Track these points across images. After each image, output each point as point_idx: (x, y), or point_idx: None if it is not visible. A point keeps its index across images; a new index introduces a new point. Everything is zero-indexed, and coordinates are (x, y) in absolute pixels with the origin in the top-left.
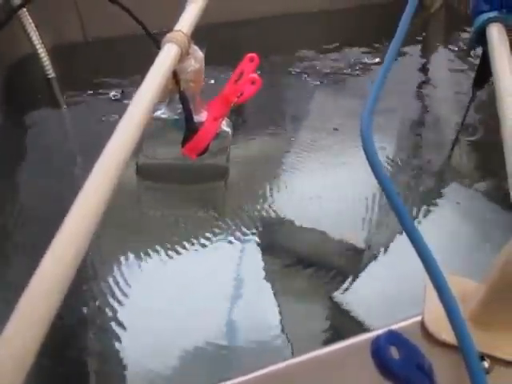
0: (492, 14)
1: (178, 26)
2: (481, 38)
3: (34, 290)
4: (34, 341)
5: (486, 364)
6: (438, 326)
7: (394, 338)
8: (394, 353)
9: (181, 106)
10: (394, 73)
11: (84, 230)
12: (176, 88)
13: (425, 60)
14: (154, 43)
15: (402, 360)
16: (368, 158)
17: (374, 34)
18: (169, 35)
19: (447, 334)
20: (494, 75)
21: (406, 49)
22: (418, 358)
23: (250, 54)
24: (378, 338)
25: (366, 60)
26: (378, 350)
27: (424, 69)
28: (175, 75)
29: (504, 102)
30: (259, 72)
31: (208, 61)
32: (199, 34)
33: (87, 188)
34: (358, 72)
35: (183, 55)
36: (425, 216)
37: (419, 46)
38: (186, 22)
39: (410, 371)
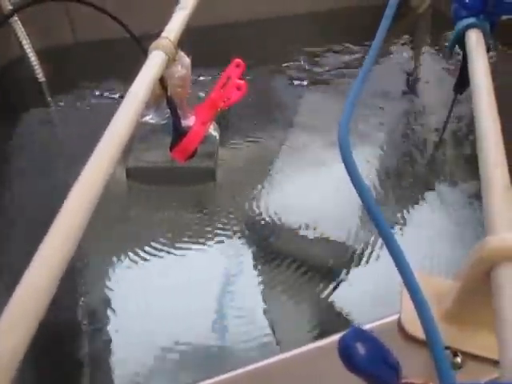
0: (471, 20)
1: (165, 33)
2: (461, 42)
3: (24, 290)
4: (23, 339)
5: (458, 359)
6: (414, 325)
7: (360, 335)
8: (360, 349)
9: (168, 111)
10: (380, 73)
11: (73, 230)
12: (163, 94)
13: (412, 60)
14: (141, 50)
15: (368, 356)
16: (346, 166)
17: (365, 35)
18: (156, 42)
19: (422, 332)
20: (471, 80)
21: (393, 49)
22: (385, 354)
23: (236, 60)
24: (344, 335)
25: (356, 62)
26: (344, 346)
27: (411, 69)
28: (162, 81)
29: (479, 107)
30: (248, 76)
31: (195, 63)
32: (188, 37)
33: (76, 190)
34: (347, 74)
35: (170, 62)
36: (409, 217)
37: (406, 47)
38: (173, 28)
39: (377, 367)
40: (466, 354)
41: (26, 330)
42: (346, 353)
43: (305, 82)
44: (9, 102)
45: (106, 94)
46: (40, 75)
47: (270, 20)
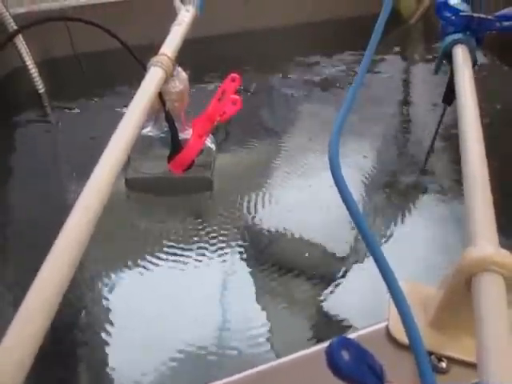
0: (457, 36)
1: (162, 50)
2: (449, 56)
3: (31, 302)
4: (31, 349)
5: (443, 364)
6: (401, 332)
7: (345, 342)
8: (345, 356)
9: (166, 124)
10: (373, 83)
11: (78, 243)
12: (162, 108)
13: (404, 70)
14: (140, 66)
15: (353, 362)
16: (334, 179)
17: (360, 44)
18: (154, 59)
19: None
20: (456, 93)
21: (385, 59)
22: (369, 361)
23: (231, 74)
24: (330, 343)
25: (352, 71)
26: (330, 354)
27: (403, 79)
28: (161, 96)
29: (464, 119)
30: (243, 86)
31: (193, 75)
32: (184, 47)
33: (81, 201)
34: (343, 82)
35: (168, 77)
36: (400, 223)
37: (399, 57)
38: (171, 45)
39: (361, 372)
40: (450, 359)
41: (35, 340)
42: (331, 360)
43: (301, 91)
44: (9, 111)
45: (104, 104)
46: (40, 86)
47: (266, 31)
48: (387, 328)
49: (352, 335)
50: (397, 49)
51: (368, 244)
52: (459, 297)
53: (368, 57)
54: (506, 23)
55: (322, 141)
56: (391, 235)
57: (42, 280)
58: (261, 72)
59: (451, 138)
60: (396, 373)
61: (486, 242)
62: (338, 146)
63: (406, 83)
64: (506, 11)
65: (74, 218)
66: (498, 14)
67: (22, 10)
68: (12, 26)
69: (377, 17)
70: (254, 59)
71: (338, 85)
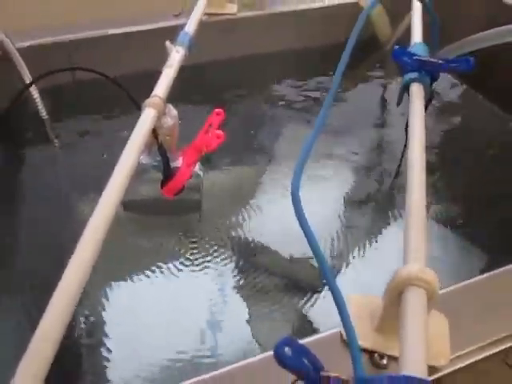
0: (413, 75)
1: (155, 92)
2: (408, 91)
3: (46, 323)
4: (47, 361)
5: (384, 361)
6: None
7: (289, 341)
8: (288, 351)
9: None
10: (352, 105)
11: (89, 261)
12: (155, 141)
13: (382, 95)
14: (136, 107)
15: (294, 356)
16: (295, 210)
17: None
18: (148, 101)
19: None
20: (409, 125)
21: (362, 86)
22: (309, 356)
23: (216, 110)
24: (277, 342)
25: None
26: (276, 350)
27: (381, 104)
28: (154, 132)
29: (411, 150)
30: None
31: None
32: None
33: (90, 227)
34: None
35: (160, 115)
36: (374, 234)
37: (377, 82)
38: (162, 86)
39: (301, 364)
40: (390, 357)
41: (50, 353)
42: (277, 354)
43: (286, 114)
44: (13, 137)
45: (104, 131)
46: (43, 113)
47: (256, 57)
48: (340, 332)
49: (312, 338)
50: (373, 73)
51: (319, 261)
52: (395, 307)
53: (330, 96)
54: (452, 65)
55: (310, 158)
56: (365, 249)
57: (55, 304)
58: (247, 96)
59: None
60: (344, 367)
61: (414, 262)
62: (299, 181)
63: (382, 108)
64: (442, 54)
65: (85, 240)
66: (442, 57)
67: (25, 44)
68: (28, 78)
69: (359, 45)
70: (238, 84)
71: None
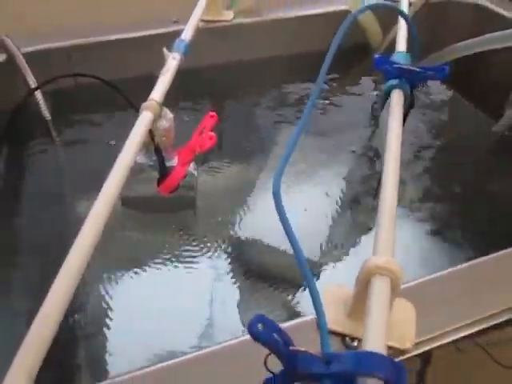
0: (394, 82)
1: (151, 96)
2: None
3: (41, 320)
4: (38, 358)
5: (355, 343)
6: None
7: (261, 318)
8: (260, 327)
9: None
10: (344, 113)
11: (83, 259)
12: (152, 142)
13: (371, 100)
14: (134, 110)
15: (265, 331)
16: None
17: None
18: (145, 104)
19: (330, 325)
20: (388, 132)
21: (354, 89)
22: (280, 332)
23: (210, 113)
24: (251, 319)
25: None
26: (249, 325)
27: (373, 109)
28: (151, 133)
29: (388, 153)
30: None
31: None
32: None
33: (92, 214)
34: (320, 110)
35: (156, 118)
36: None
37: (368, 86)
38: (158, 91)
39: (272, 339)
40: (360, 340)
41: (42, 351)
42: (250, 330)
43: (282, 116)
44: (17, 138)
45: (105, 132)
46: (46, 114)
47: (250, 62)
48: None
49: (292, 322)
50: (364, 79)
51: (298, 259)
52: (365, 294)
53: (311, 101)
54: (429, 73)
55: (297, 162)
56: (353, 246)
57: (50, 302)
58: (242, 100)
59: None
60: (317, 348)
61: (382, 253)
62: (280, 182)
63: (372, 113)
64: (424, 64)
65: (85, 232)
66: (420, 65)
67: (30, 49)
68: (33, 84)
69: (352, 50)
70: (234, 88)
71: (321, 112)
